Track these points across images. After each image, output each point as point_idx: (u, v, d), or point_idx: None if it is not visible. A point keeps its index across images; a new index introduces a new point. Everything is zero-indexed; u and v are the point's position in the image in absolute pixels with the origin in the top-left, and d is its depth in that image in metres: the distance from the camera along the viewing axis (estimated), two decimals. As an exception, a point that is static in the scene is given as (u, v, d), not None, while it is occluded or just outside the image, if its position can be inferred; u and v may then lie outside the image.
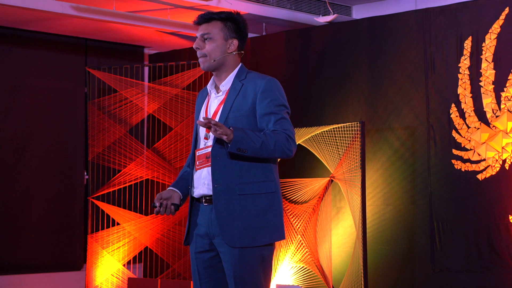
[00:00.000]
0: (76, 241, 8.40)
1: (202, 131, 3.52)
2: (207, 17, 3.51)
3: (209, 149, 3.42)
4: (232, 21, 3.55)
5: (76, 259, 8.41)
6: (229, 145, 3.28)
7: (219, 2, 7.41)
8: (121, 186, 7.68)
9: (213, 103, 3.56)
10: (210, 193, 3.42)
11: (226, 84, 3.55)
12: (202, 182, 3.46)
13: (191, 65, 7.57)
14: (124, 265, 7.64)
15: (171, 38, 8.51)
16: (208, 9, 7.58)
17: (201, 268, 3.50)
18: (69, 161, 8.43)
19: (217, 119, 3.45)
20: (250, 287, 3.36)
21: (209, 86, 3.60)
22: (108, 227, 7.65)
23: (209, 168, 3.40)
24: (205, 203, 3.46)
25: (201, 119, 3.33)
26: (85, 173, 8.38)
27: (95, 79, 7.91)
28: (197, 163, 3.48)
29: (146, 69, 8.64)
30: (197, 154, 3.49)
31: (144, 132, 8.43)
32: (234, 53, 3.58)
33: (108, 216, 7.66)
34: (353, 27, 7.46)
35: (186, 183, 3.56)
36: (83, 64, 8.48)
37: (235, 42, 3.57)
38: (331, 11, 8.04)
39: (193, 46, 3.54)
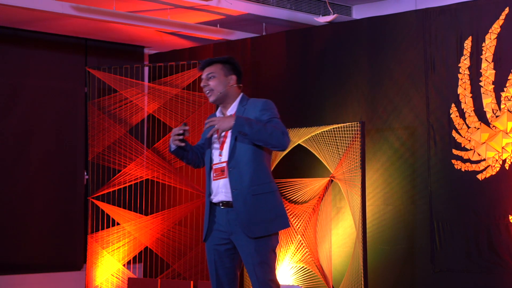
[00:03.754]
0: (76, 241, 8.40)
1: (215, 146, 4.35)
2: (209, 62, 4.37)
3: (224, 164, 4.27)
4: (229, 63, 4.39)
5: (76, 259, 8.41)
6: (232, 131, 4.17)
7: (219, 2, 7.41)
8: (121, 186, 7.69)
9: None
10: (227, 199, 4.27)
11: (231, 110, 4.37)
12: (221, 190, 4.29)
13: (191, 65, 7.57)
14: (124, 265, 7.64)
15: (171, 38, 8.51)
16: (208, 9, 7.59)
17: (218, 258, 4.30)
18: (69, 161, 8.43)
19: (228, 139, 4.29)
20: (266, 269, 4.19)
21: (217, 113, 4.43)
22: (108, 227, 7.65)
23: (226, 179, 4.27)
24: (222, 206, 4.29)
25: (213, 141, 4.34)
26: (85, 173, 8.38)
27: (95, 79, 7.91)
28: (214, 175, 4.32)
29: (146, 69, 8.64)
30: (213, 167, 4.33)
31: (144, 132, 8.43)
32: (234, 86, 4.39)
33: (108, 216, 7.66)
34: (353, 27, 7.46)
35: (190, 149, 4.46)
36: (83, 64, 8.48)
37: (234, 77, 4.39)
38: (331, 11, 8.05)
39: (201, 85, 4.34)
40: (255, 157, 4.24)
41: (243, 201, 4.20)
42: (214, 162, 4.33)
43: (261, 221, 4.20)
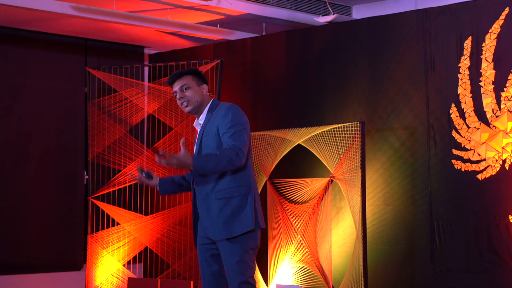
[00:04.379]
0: (76, 241, 8.40)
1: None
2: (177, 75, 4.49)
3: None
4: (197, 74, 4.52)
5: (76, 259, 8.41)
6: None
7: (219, 2, 7.41)
8: (121, 186, 7.69)
9: (197, 136, 4.56)
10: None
11: (202, 119, 4.53)
12: (197, 196, 4.49)
13: (191, 65, 7.57)
14: (124, 265, 7.64)
15: (171, 38, 8.51)
16: (208, 9, 7.59)
17: (204, 261, 4.46)
18: (69, 161, 8.43)
19: (197, 145, 4.47)
20: (238, 267, 4.31)
21: (195, 124, 4.58)
22: (108, 227, 7.65)
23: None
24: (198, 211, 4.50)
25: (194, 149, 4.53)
26: (85, 173, 8.38)
27: (95, 79, 7.91)
28: (194, 182, 4.50)
29: (146, 69, 8.64)
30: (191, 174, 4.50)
31: (144, 132, 8.43)
32: (206, 94, 4.53)
33: (108, 216, 7.66)
34: (353, 27, 7.46)
35: (171, 183, 4.66)
36: (83, 64, 8.48)
37: (205, 86, 4.53)
38: (331, 11, 8.05)
39: (177, 97, 4.48)
40: None
41: (207, 206, 4.39)
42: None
43: (223, 224, 4.34)
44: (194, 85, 4.47)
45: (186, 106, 4.48)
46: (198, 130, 4.54)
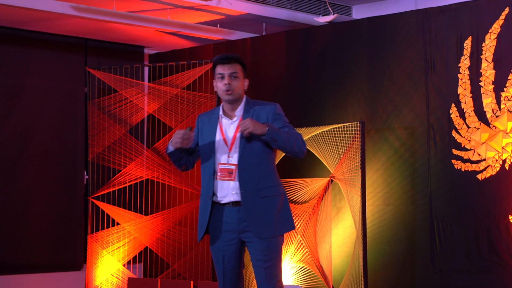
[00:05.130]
0: (76, 241, 8.40)
1: (221, 147, 4.35)
2: (232, 59, 4.35)
3: (233, 166, 4.30)
4: (243, 65, 4.40)
5: (76, 259, 8.41)
6: (263, 137, 4.21)
7: (219, 2, 7.41)
8: (121, 186, 7.68)
9: (230, 128, 4.39)
10: (237, 199, 4.31)
11: (239, 111, 4.38)
12: (231, 192, 4.32)
13: (191, 65, 7.57)
14: (124, 265, 7.64)
15: (171, 38, 8.51)
16: (208, 9, 7.58)
17: (226, 259, 4.36)
18: (69, 161, 8.43)
19: (237, 140, 4.33)
20: (275, 266, 4.31)
21: (220, 112, 4.42)
22: (108, 227, 7.65)
23: (236, 181, 4.30)
24: (232, 205, 4.33)
25: (218, 141, 4.35)
26: (85, 173, 8.38)
27: (95, 79, 7.91)
28: (219, 175, 4.33)
29: (146, 69, 8.64)
30: (219, 167, 4.34)
31: (144, 132, 8.43)
32: (245, 89, 4.42)
33: (108, 216, 7.66)
34: (353, 27, 7.46)
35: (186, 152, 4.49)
36: (83, 64, 8.48)
37: (247, 81, 4.42)
38: (331, 11, 8.04)
39: (223, 81, 4.32)
40: (264, 159, 4.33)
41: (252, 202, 4.28)
42: (221, 162, 4.35)
43: (268, 223, 4.29)
44: (241, 77, 4.37)
45: (229, 94, 4.34)
46: (225, 121, 4.40)
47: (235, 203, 4.33)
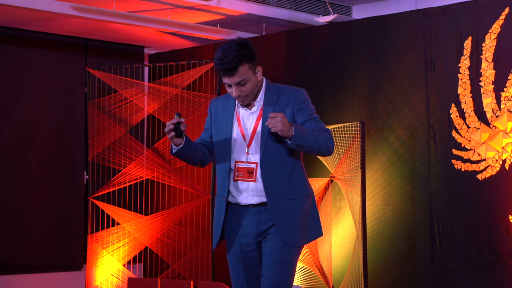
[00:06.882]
0: (76, 241, 8.40)
1: (239, 141, 3.80)
2: (231, 69, 3.66)
3: (253, 165, 3.75)
4: (245, 48, 3.70)
5: (76, 259, 8.41)
6: (288, 141, 3.64)
7: (219, 2, 7.41)
8: (121, 186, 7.68)
9: (249, 119, 3.82)
10: (260, 201, 3.75)
11: (260, 99, 3.81)
12: (252, 193, 3.77)
13: (191, 65, 7.57)
14: (124, 265, 7.64)
15: (171, 38, 8.51)
16: (208, 9, 7.58)
17: (248, 266, 3.82)
18: (69, 161, 8.43)
19: (257, 133, 3.76)
20: (288, 271, 3.75)
21: (238, 105, 3.84)
22: (108, 227, 7.65)
23: (258, 181, 3.74)
24: (252, 207, 3.78)
25: (234, 134, 3.77)
26: (85, 173, 8.38)
27: (95, 79, 7.91)
28: (237, 174, 3.78)
29: (146, 69, 8.64)
30: (237, 165, 3.77)
31: (144, 132, 8.43)
32: (261, 77, 3.81)
33: (108, 216, 7.66)
34: (353, 27, 7.46)
35: (194, 146, 3.86)
36: (83, 64, 8.48)
37: (259, 68, 3.78)
38: (331, 11, 8.04)
39: (234, 95, 3.74)
40: (290, 156, 3.78)
41: (280, 206, 3.74)
42: (239, 160, 3.80)
43: (300, 229, 3.76)
44: (251, 76, 3.72)
45: (243, 101, 3.76)
46: (243, 111, 3.83)
47: (256, 205, 3.78)
